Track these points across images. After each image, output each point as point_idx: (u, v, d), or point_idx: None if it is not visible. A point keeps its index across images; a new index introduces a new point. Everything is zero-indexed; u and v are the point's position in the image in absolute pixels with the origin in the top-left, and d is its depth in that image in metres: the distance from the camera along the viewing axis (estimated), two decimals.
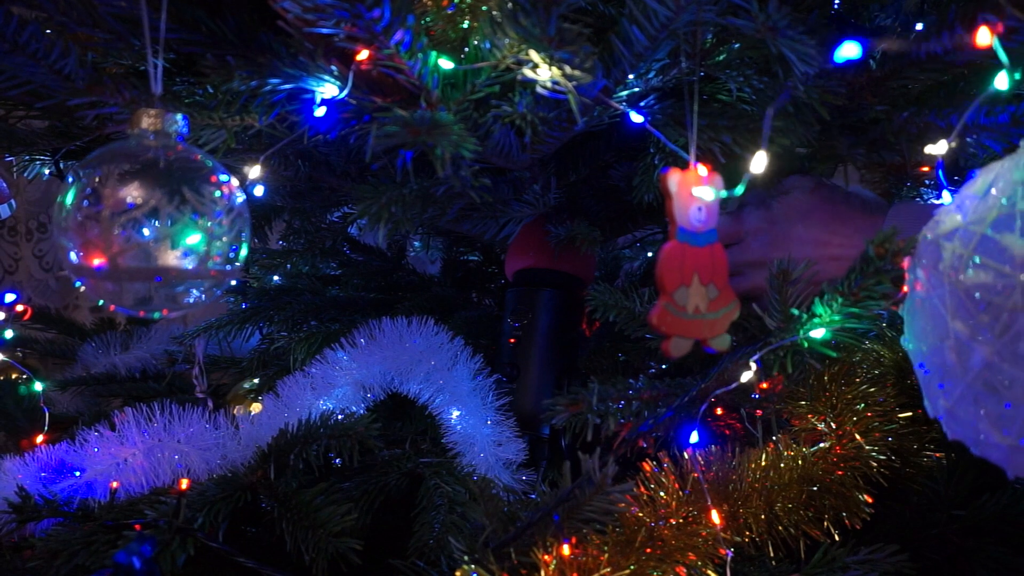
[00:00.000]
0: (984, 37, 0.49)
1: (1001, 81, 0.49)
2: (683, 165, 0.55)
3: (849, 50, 0.53)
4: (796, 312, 0.58)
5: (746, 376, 0.59)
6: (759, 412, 0.68)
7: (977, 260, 0.45)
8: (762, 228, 0.85)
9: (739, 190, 0.53)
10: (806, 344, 0.58)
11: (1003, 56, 0.48)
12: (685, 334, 0.55)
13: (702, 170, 0.54)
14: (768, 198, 0.86)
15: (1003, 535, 0.73)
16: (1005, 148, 0.59)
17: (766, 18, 0.50)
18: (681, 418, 0.61)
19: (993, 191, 0.47)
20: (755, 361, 0.59)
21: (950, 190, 0.51)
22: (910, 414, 0.69)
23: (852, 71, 0.60)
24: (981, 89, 0.50)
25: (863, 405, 0.67)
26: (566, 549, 0.53)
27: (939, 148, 0.52)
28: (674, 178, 0.54)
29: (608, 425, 0.60)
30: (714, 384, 0.60)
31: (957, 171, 0.71)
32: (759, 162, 0.53)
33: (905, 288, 0.53)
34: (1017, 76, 0.48)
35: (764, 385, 0.63)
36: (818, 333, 0.58)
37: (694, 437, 0.62)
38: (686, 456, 0.65)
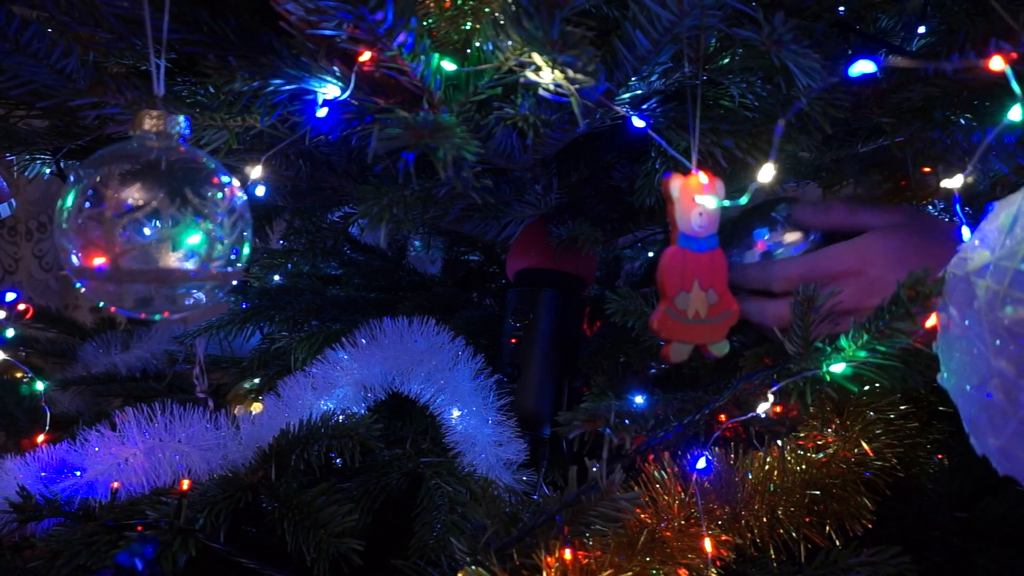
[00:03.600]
0: (997, 64, 0.47)
1: (1015, 113, 0.47)
2: (685, 169, 0.55)
3: (864, 66, 0.51)
4: (820, 345, 0.58)
5: (763, 408, 0.59)
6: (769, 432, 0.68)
7: (1014, 296, 0.45)
8: (855, 271, 0.75)
9: (743, 199, 0.52)
10: (828, 377, 0.57)
11: (1016, 87, 0.46)
12: (686, 339, 0.55)
13: (703, 177, 0.54)
14: (837, 233, 0.79)
15: (1005, 537, 0.73)
16: (1012, 168, 0.58)
17: (771, 31, 0.50)
18: (690, 432, 0.61)
19: (1021, 227, 0.46)
20: (773, 393, 0.58)
21: (968, 224, 0.51)
22: (914, 421, 0.69)
23: (857, 83, 0.60)
24: (985, 100, 0.49)
25: (867, 410, 0.67)
26: (568, 554, 0.53)
27: (955, 182, 0.50)
28: (676, 183, 0.54)
29: (626, 442, 0.60)
30: (728, 403, 0.60)
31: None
32: (766, 173, 0.52)
33: (931, 323, 0.52)
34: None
35: (778, 409, 0.62)
36: (838, 368, 0.57)
37: (702, 463, 0.62)
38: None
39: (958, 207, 0.51)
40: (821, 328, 0.61)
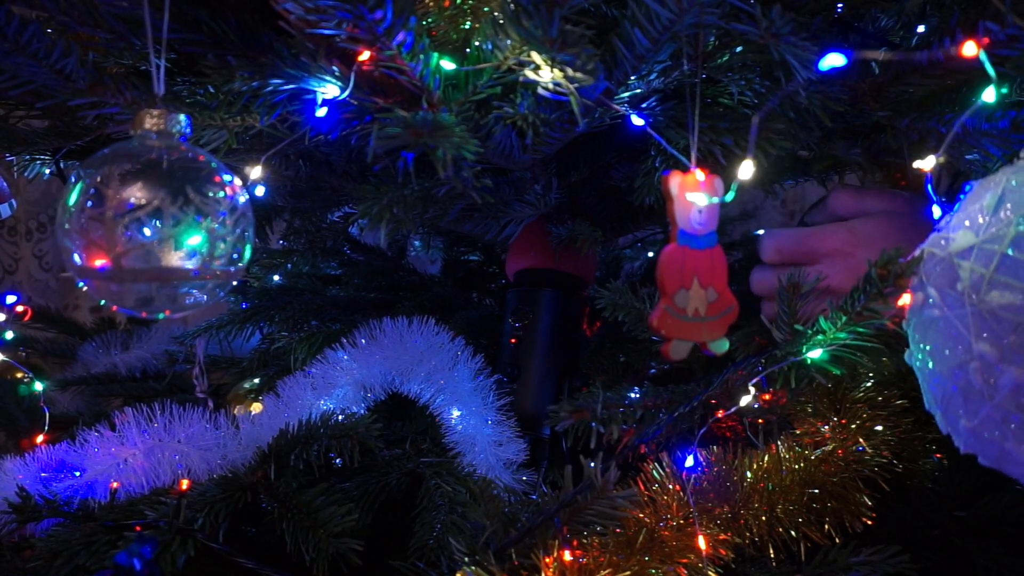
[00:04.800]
0: (970, 49, 0.49)
1: (989, 95, 0.48)
2: (684, 167, 0.55)
3: (834, 59, 0.52)
4: (801, 328, 0.58)
5: (745, 400, 0.59)
6: (761, 421, 0.68)
7: (1000, 280, 0.45)
8: (842, 252, 0.74)
9: (730, 196, 0.53)
10: (809, 361, 0.58)
11: (990, 69, 0.47)
12: (685, 337, 0.55)
13: (699, 175, 0.54)
14: (849, 215, 0.77)
15: (1004, 536, 0.73)
16: (1006, 154, 0.58)
17: (769, 24, 0.50)
18: (682, 424, 0.61)
19: (1006, 210, 0.46)
20: (754, 385, 0.58)
21: (940, 204, 0.51)
22: (912, 418, 0.69)
23: (854, 77, 0.61)
24: (981, 91, 0.49)
25: (866, 408, 0.67)
26: (567, 555, 0.53)
27: (927, 163, 0.51)
28: (675, 181, 0.54)
29: (611, 432, 0.60)
30: (717, 393, 0.60)
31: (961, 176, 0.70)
32: (746, 170, 0.52)
33: (902, 302, 0.52)
34: (1004, 90, 0.48)
35: (767, 397, 0.63)
36: (816, 353, 0.57)
37: (690, 461, 0.62)
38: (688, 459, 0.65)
39: (929, 187, 0.51)
40: (802, 308, 0.61)
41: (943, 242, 0.49)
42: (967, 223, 0.48)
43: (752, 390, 0.58)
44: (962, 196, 0.50)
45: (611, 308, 0.69)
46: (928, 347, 0.49)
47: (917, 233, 0.74)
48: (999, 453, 0.48)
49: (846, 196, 0.78)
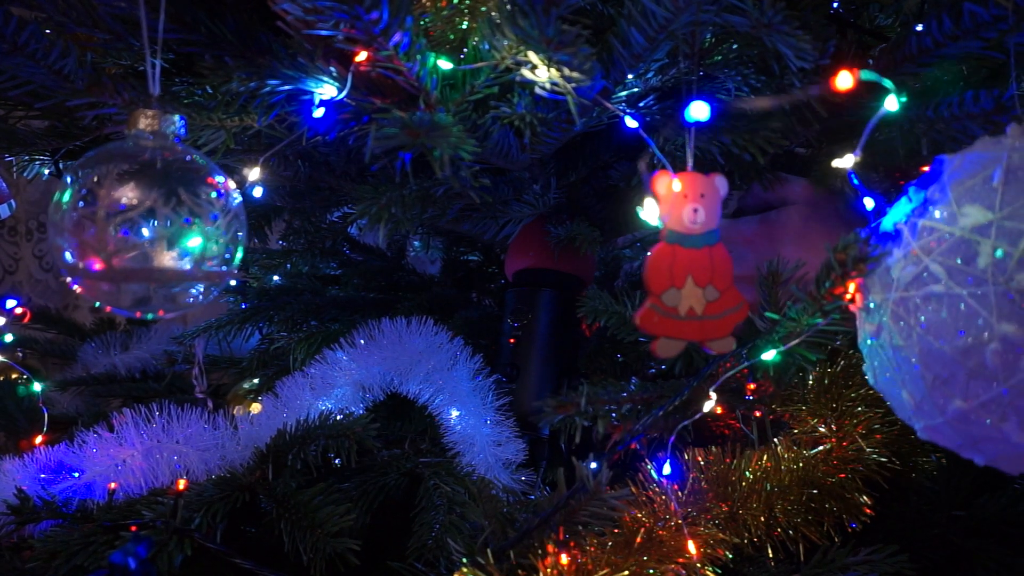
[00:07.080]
0: (844, 80, 0.50)
1: (891, 103, 0.50)
2: (676, 167, 0.54)
3: (698, 111, 0.53)
4: (774, 316, 0.58)
5: (708, 406, 0.58)
6: (757, 413, 0.68)
7: None
8: (758, 242, 0.80)
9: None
10: (769, 361, 0.57)
11: (887, 83, 0.49)
12: (676, 335, 0.54)
13: (676, 184, 0.54)
14: (768, 207, 0.81)
15: (1003, 535, 0.73)
16: (990, 131, 0.58)
17: (760, 14, 0.51)
18: (673, 420, 0.60)
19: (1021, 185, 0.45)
20: (715, 390, 0.58)
21: (872, 196, 0.51)
22: None
23: (849, 69, 0.60)
24: (978, 83, 0.50)
25: (863, 407, 0.67)
26: (564, 558, 0.53)
27: (845, 162, 0.51)
28: (662, 182, 0.54)
29: (599, 428, 0.60)
30: (707, 384, 0.59)
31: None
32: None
33: (853, 293, 0.52)
34: (903, 99, 0.50)
35: (752, 386, 0.62)
36: (769, 355, 0.57)
37: (667, 469, 0.62)
38: (687, 456, 0.65)
39: (854, 180, 0.51)
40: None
41: (952, 218, 0.47)
42: (971, 197, 0.46)
43: (713, 396, 0.58)
44: (937, 170, 0.49)
45: (592, 314, 0.68)
46: (921, 326, 0.48)
47: (829, 224, 0.77)
48: (982, 435, 0.47)
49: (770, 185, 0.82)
